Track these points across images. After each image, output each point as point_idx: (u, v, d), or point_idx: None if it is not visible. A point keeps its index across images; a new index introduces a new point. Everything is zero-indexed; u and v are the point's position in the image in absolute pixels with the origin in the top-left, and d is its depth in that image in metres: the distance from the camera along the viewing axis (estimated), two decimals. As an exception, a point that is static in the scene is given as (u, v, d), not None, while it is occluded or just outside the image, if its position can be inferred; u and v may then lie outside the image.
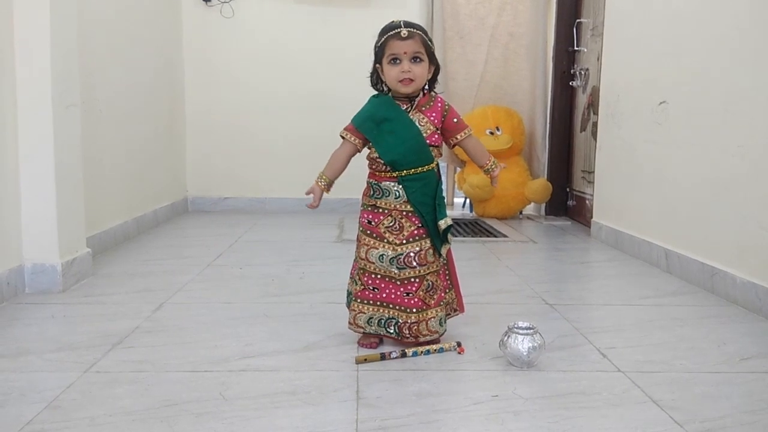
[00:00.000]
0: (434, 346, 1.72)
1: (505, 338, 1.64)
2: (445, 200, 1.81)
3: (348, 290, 1.84)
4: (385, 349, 1.73)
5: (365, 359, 1.65)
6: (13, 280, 2.21)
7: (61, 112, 2.30)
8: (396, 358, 1.67)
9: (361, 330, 1.76)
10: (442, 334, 1.78)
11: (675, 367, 1.66)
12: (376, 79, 1.78)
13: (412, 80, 1.69)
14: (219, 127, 4.45)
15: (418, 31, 1.70)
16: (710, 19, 2.48)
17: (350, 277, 1.84)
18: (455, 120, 1.77)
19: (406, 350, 1.69)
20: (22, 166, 2.25)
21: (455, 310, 1.86)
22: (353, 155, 1.81)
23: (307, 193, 1.80)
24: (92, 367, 1.60)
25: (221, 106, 4.43)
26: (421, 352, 1.70)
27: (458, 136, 1.78)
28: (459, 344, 1.74)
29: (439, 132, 1.75)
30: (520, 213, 4.47)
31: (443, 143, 1.79)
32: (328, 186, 1.80)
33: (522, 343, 1.61)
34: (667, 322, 2.06)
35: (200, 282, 2.48)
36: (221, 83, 4.42)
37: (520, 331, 1.63)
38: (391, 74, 1.70)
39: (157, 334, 1.87)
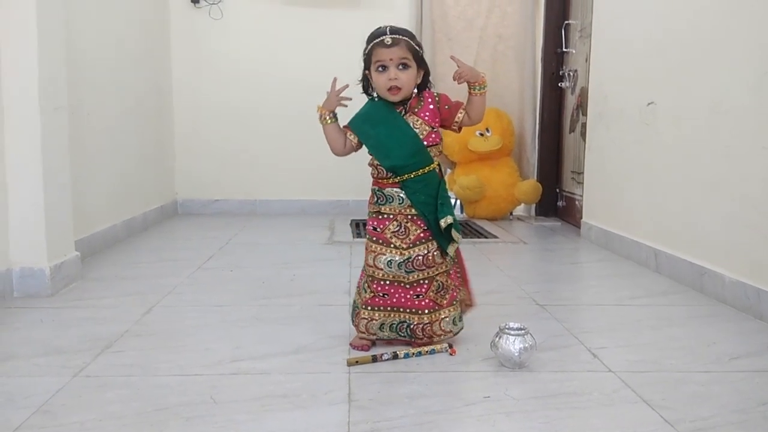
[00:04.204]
0: (426, 348, 1.72)
1: (497, 339, 1.64)
2: (450, 200, 1.80)
3: (354, 301, 1.82)
4: (377, 351, 1.72)
5: (357, 361, 1.65)
6: (0, 284, 2.19)
7: (48, 115, 2.28)
8: (388, 359, 1.67)
9: (374, 337, 1.76)
10: (457, 332, 1.79)
11: (665, 367, 1.66)
12: (367, 85, 1.77)
13: (399, 88, 1.69)
14: (208, 129, 4.43)
15: (403, 37, 1.69)
16: (697, 21, 2.49)
17: (356, 288, 1.83)
18: (447, 107, 1.75)
19: (398, 352, 1.69)
20: (9, 169, 2.23)
21: (468, 306, 1.87)
22: (345, 146, 1.79)
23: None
24: (81, 372, 1.59)
25: (210, 107, 4.42)
26: (413, 353, 1.70)
27: (456, 119, 1.76)
28: (450, 345, 1.74)
29: (436, 131, 1.74)
30: (511, 214, 4.48)
31: (455, 127, 1.78)
32: (333, 115, 1.77)
33: (513, 344, 1.61)
34: (656, 322, 2.07)
35: (190, 285, 2.47)
36: (210, 85, 4.40)
37: (511, 332, 1.63)
38: (380, 82, 1.70)
39: (147, 337, 1.86)
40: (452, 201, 4.66)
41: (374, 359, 1.66)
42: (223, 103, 4.42)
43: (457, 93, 4.39)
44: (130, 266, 2.79)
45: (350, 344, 1.78)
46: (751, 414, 1.40)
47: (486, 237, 3.66)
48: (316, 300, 2.26)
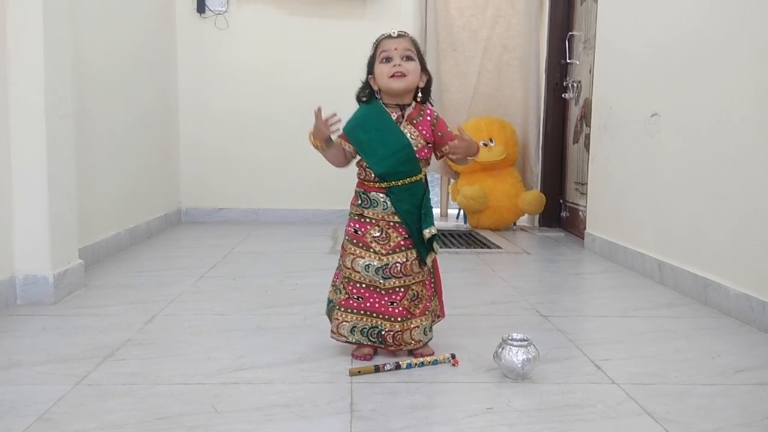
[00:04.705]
0: (428, 358, 1.72)
1: (500, 350, 1.64)
2: (433, 210, 1.81)
3: (329, 298, 1.84)
4: (379, 361, 1.72)
5: (359, 371, 1.65)
6: (4, 292, 2.19)
7: (54, 123, 2.30)
8: (390, 370, 1.67)
9: (344, 339, 1.76)
10: (427, 342, 1.78)
11: (669, 379, 1.66)
12: (369, 92, 1.77)
13: (404, 75, 1.70)
14: (213, 138, 4.44)
15: (407, 34, 1.75)
16: (701, 32, 2.50)
17: (332, 285, 1.84)
18: (440, 134, 1.76)
19: (401, 362, 1.69)
20: (15, 177, 2.24)
21: (438, 317, 1.87)
22: (346, 158, 1.80)
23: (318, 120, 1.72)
24: (84, 380, 1.59)
25: (215, 116, 4.43)
26: (416, 364, 1.69)
27: (444, 149, 1.77)
28: (453, 356, 1.74)
29: (429, 146, 1.75)
30: (514, 224, 4.48)
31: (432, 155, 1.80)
32: (328, 142, 1.75)
33: (516, 355, 1.61)
34: (661, 333, 2.06)
35: (193, 293, 2.47)
36: (216, 94, 4.42)
37: (515, 343, 1.62)
38: (384, 71, 1.71)
39: (150, 346, 1.86)
40: (456, 211, 4.69)
41: (377, 369, 1.66)
42: (228, 112, 4.43)
43: (461, 101, 4.41)
44: (133, 274, 2.79)
45: (352, 354, 1.78)
46: (756, 428, 1.39)
47: (489, 247, 3.65)
48: (319, 309, 2.25)
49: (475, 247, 3.64)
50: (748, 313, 2.15)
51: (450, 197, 4.77)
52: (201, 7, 4.32)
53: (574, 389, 1.58)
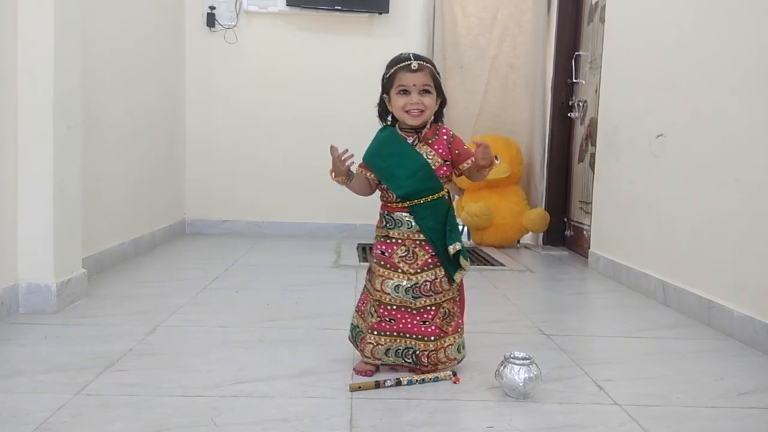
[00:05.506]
0: (429, 375, 1.71)
1: (501, 368, 1.63)
2: (459, 226, 1.81)
3: (353, 324, 1.83)
4: (380, 376, 1.71)
5: (359, 387, 1.64)
6: (6, 300, 2.20)
7: (62, 133, 2.31)
8: (391, 386, 1.66)
9: (379, 362, 1.75)
10: (461, 360, 1.78)
11: (672, 401, 1.64)
12: (384, 110, 1.79)
13: (422, 111, 1.71)
14: (219, 150, 4.46)
15: (427, 65, 1.73)
16: (707, 54, 2.50)
17: (356, 311, 1.84)
18: (457, 152, 1.77)
19: (401, 378, 1.68)
20: (21, 185, 2.25)
21: None
22: (371, 186, 1.81)
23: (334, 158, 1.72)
24: (84, 390, 1.58)
25: (222, 129, 4.46)
26: (416, 380, 1.69)
27: (461, 167, 1.78)
28: (454, 373, 1.73)
29: (447, 164, 1.76)
30: (518, 242, 4.47)
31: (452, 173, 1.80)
32: (349, 175, 1.76)
33: (518, 374, 1.60)
34: (664, 355, 2.05)
35: (195, 305, 2.47)
36: (222, 107, 4.45)
37: (517, 362, 1.62)
38: (398, 104, 1.72)
39: (151, 357, 1.86)
40: (459, 227, 4.69)
41: (377, 385, 1.65)
42: (234, 126, 4.45)
43: (467, 119, 4.45)
44: (136, 285, 2.80)
45: (354, 369, 1.77)
46: (759, 452, 1.37)
47: (493, 265, 3.65)
48: (321, 323, 2.25)
49: (478, 264, 3.63)
50: (751, 336, 2.14)
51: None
52: (211, 22, 4.36)
53: (576, 409, 1.57)
